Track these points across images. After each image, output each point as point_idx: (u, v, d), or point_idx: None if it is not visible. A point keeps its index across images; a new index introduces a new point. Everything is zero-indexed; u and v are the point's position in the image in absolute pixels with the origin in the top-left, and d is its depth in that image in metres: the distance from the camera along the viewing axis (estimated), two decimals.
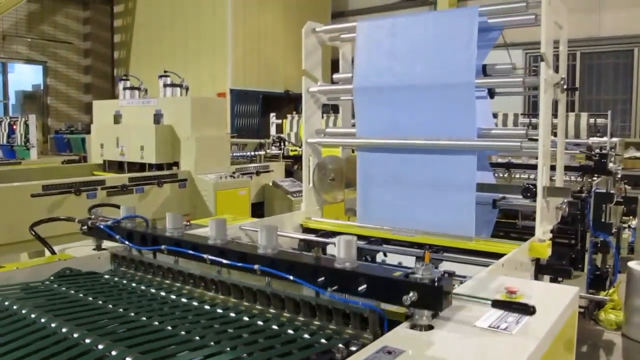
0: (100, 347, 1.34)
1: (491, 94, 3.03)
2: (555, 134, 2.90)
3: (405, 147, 2.84)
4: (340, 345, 1.37)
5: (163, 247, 1.95)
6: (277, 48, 12.74)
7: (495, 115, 6.62)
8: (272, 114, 9.21)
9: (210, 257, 1.80)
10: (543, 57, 2.48)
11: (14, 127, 8.93)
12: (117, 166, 5.78)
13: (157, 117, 5.37)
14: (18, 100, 13.93)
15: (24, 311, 1.62)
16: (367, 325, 1.45)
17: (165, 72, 5.72)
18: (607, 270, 4.43)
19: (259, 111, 12.37)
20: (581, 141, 5.83)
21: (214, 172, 5.17)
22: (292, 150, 7.40)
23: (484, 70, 2.73)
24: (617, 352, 4.12)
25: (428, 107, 2.72)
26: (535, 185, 2.62)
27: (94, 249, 2.36)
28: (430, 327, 1.41)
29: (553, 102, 2.72)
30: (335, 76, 3.25)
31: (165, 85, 5.63)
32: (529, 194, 2.75)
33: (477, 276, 1.89)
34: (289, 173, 6.54)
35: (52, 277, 2.06)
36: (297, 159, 6.83)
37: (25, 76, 14.18)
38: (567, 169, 4.79)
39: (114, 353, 1.30)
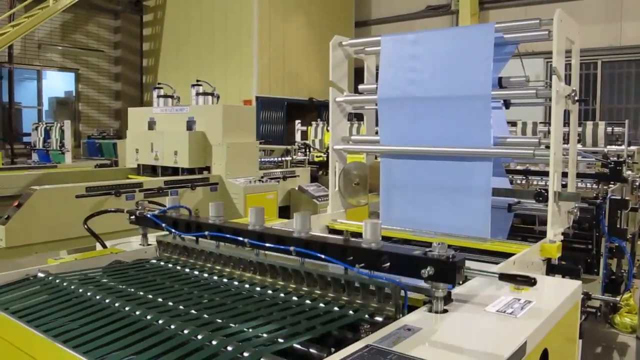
0: (160, 321, 1.57)
1: (506, 104, 3.23)
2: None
3: (425, 154, 3.02)
4: (366, 316, 1.59)
5: (206, 232, 2.17)
6: (302, 57, 13.00)
7: (515, 124, 6.78)
8: (297, 121, 9.46)
9: (249, 240, 2.02)
10: (554, 71, 2.66)
11: (50, 132, 9.29)
12: (151, 170, 6.07)
13: (190, 124, 5.66)
14: (51, 106, 14.36)
15: (88, 293, 1.86)
16: (390, 298, 1.66)
17: (197, 81, 6.02)
18: (621, 275, 4.57)
19: (284, 118, 12.65)
20: (598, 149, 5.96)
21: (244, 176, 5.43)
22: (317, 157, 7.63)
23: (500, 83, 2.92)
24: (630, 354, 4.24)
25: (447, 117, 2.91)
26: (547, 190, 2.80)
27: (140, 244, 2.60)
28: (445, 311, 1.61)
29: (566, 112, 2.90)
30: (360, 87, 3.46)
31: (197, 94, 5.92)
32: (541, 198, 2.94)
33: (489, 269, 2.08)
34: (314, 178, 6.77)
35: (105, 267, 2.31)
36: (322, 164, 7.06)
37: (54, 83, 14.61)
38: (583, 176, 4.94)
39: (172, 327, 1.53)
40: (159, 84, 6.37)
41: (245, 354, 1.34)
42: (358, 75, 3.56)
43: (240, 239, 2.07)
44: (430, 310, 1.61)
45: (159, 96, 6.18)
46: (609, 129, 6.28)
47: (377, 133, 3.31)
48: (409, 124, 3.05)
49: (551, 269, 2.76)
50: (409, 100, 3.01)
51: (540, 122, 7.02)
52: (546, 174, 5.03)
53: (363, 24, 14.71)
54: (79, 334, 1.50)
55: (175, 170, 5.78)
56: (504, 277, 1.66)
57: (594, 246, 4.22)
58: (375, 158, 3.61)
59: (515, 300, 1.70)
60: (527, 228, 3.90)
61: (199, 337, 1.44)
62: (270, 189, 5.38)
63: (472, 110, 2.83)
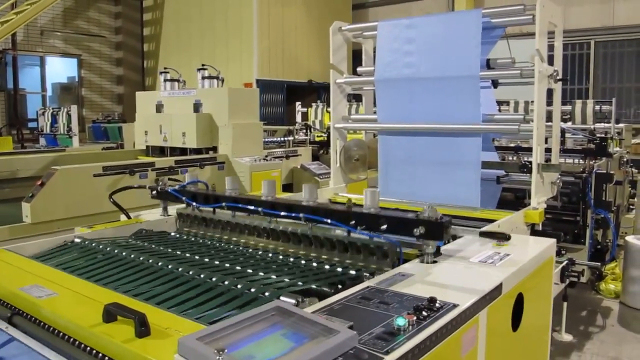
0: (190, 272, 1.84)
1: (495, 84, 3.48)
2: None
3: (420, 131, 3.26)
4: (367, 274, 1.86)
5: (223, 204, 2.44)
6: (301, 40, 13.20)
7: (507, 103, 7.02)
8: (297, 103, 9.70)
9: (263, 209, 2.28)
10: (537, 52, 2.91)
11: (57, 117, 9.52)
12: (159, 151, 6.33)
13: (197, 106, 5.92)
14: (55, 92, 14.55)
15: (124, 253, 2.13)
16: (387, 257, 1.94)
17: (202, 65, 6.27)
18: (606, 245, 4.84)
19: (284, 100, 12.89)
20: (585, 126, 6.21)
21: (249, 155, 5.71)
22: (317, 136, 7.90)
23: (488, 64, 3.17)
24: (613, 316, 4.52)
25: (439, 96, 3.13)
26: (531, 163, 3.06)
27: (161, 215, 2.86)
28: (434, 262, 1.88)
29: (551, 92, 3.15)
30: (359, 69, 3.69)
31: (203, 77, 6.17)
32: (525, 170, 3.21)
33: (470, 228, 2.35)
34: (315, 157, 7.04)
35: (132, 235, 2.58)
36: (323, 144, 7.33)
37: (56, 69, 14.78)
38: (571, 152, 5.20)
39: (207, 278, 1.80)
40: (165, 68, 6.60)
41: (267, 294, 1.61)
42: (356, 58, 3.78)
43: (255, 208, 2.32)
44: (422, 262, 1.88)
45: (165, 80, 6.43)
46: (597, 107, 6.51)
47: (375, 112, 3.54)
48: (405, 103, 3.27)
49: (535, 234, 3.02)
50: (404, 81, 3.24)
51: (532, 101, 7.24)
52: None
53: (361, 7, 14.86)
54: (143, 291, 1.73)
55: (183, 151, 6.04)
56: (484, 233, 1.93)
57: (581, 218, 4.49)
58: (374, 136, 3.85)
59: (495, 254, 1.98)
60: (519, 202, 4.16)
61: (227, 283, 1.72)
62: (274, 167, 5.66)
63: (463, 89, 3.05)
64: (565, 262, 3.45)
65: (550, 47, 3.05)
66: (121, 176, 4.65)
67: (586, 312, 4.66)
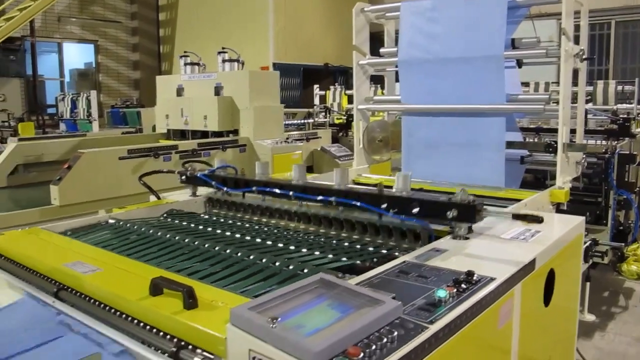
0: (227, 250, 1.88)
1: (519, 63, 3.46)
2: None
3: (444, 112, 3.28)
4: (397, 254, 1.88)
5: (254, 188, 2.47)
6: (316, 23, 13.15)
7: (527, 84, 6.98)
8: (315, 86, 9.70)
9: (295, 193, 2.30)
10: (563, 31, 2.90)
11: (76, 102, 9.61)
12: (180, 134, 6.38)
13: (218, 90, 5.95)
14: (72, 78, 14.66)
15: (159, 233, 2.17)
16: (419, 239, 1.96)
17: (223, 48, 6.29)
18: (629, 226, 4.83)
19: (300, 84, 12.89)
20: (607, 107, 6.16)
21: (270, 138, 5.75)
22: (337, 119, 7.92)
23: (513, 44, 3.16)
24: (635, 297, 4.53)
25: (463, 76, 3.14)
26: (557, 143, 3.06)
27: (190, 196, 2.90)
28: (466, 238, 1.91)
29: (575, 74, 3.14)
30: (382, 50, 3.69)
31: (224, 61, 6.20)
32: (550, 149, 3.21)
33: (503, 210, 2.36)
34: (335, 139, 7.06)
35: (164, 214, 2.62)
36: (342, 126, 7.35)
37: (72, 55, 14.88)
38: (593, 132, 5.18)
39: (245, 255, 1.84)
40: (185, 52, 6.63)
41: (305, 270, 1.65)
42: (373, 40, 3.77)
43: (286, 192, 2.34)
44: (454, 238, 1.90)
45: (185, 64, 6.46)
46: (620, 88, 6.45)
47: (397, 94, 3.55)
48: (428, 83, 3.28)
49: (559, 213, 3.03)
50: (428, 62, 3.24)
51: (553, 82, 7.21)
52: (556, 130, 5.30)
53: None
54: (183, 268, 1.77)
55: (204, 134, 6.08)
56: (516, 216, 1.94)
57: (603, 199, 4.48)
58: (396, 118, 3.87)
59: (526, 230, 2.00)
60: (540, 183, 4.16)
61: (264, 260, 1.76)
62: (295, 150, 5.69)
63: (487, 69, 3.05)
64: (589, 242, 3.47)
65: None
66: (145, 159, 4.71)
67: (608, 293, 4.67)
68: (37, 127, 9.48)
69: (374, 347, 1.06)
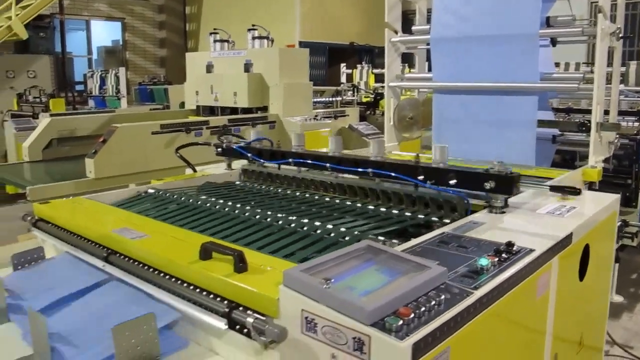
0: (267, 219, 1.93)
1: (553, 42, 3.45)
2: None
3: (476, 90, 3.28)
4: (435, 218, 1.92)
5: (290, 160, 2.50)
6: (343, 2, 13.09)
7: (557, 65, 6.90)
8: (342, 65, 9.70)
9: (331, 165, 2.34)
10: (600, 9, 2.88)
11: (105, 79, 9.74)
12: (209, 111, 6.45)
13: (247, 66, 6.00)
14: (100, 55, 14.81)
15: (199, 202, 2.23)
16: (455, 211, 1.99)
17: (252, 26, 6.33)
18: None
19: (326, 62, 12.88)
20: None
21: (299, 115, 5.80)
22: (365, 97, 7.93)
23: (548, 22, 3.15)
24: None
25: (497, 54, 3.13)
26: (590, 122, 3.05)
27: (225, 169, 2.96)
28: (502, 212, 1.94)
29: (609, 54, 3.12)
30: (413, 28, 3.69)
31: (254, 38, 6.24)
32: (584, 128, 3.21)
33: (540, 187, 2.38)
34: (362, 118, 7.09)
35: (200, 186, 2.68)
36: (370, 105, 7.37)
37: (100, 33, 15.01)
38: (625, 114, 5.13)
39: (286, 223, 1.89)
40: (214, 29, 6.68)
41: (347, 238, 1.69)
42: (403, 19, 3.74)
43: (322, 163, 2.38)
44: (491, 212, 1.93)
45: (215, 41, 6.51)
46: None
47: (428, 71, 3.56)
48: (461, 61, 3.27)
49: None
50: (461, 39, 3.23)
51: (583, 63, 7.13)
52: (587, 111, 5.26)
53: None
54: (227, 235, 1.83)
55: (233, 110, 6.14)
56: (554, 188, 1.97)
57: (632, 181, 4.45)
58: (427, 96, 3.87)
59: (562, 206, 2.02)
60: (568, 164, 4.15)
61: (305, 228, 1.80)
62: (324, 127, 5.72)
63: (521, 48, 3.04)
64: (620, 223, 3.46)
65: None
66: (177, 134, 4.79)
67: (636, 275, 4.66)
68: (66, 104, 9.63)
69: (422, 309, 1.10)
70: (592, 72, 3.01)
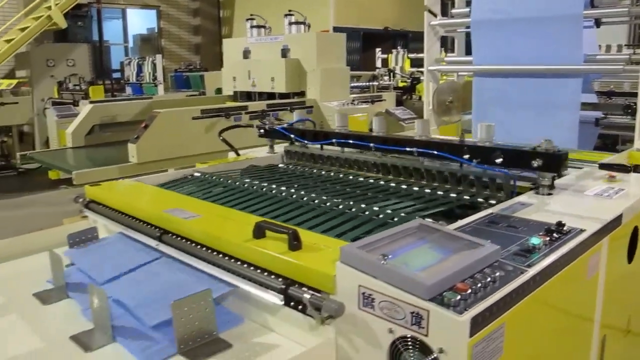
0: (315, 201, 1.97)
1: (597, 23, 3.39)
2: None
3: (518, 72, 3.25)
4: (480, 199, 1.93)
5: (334, 140, 2.53)
6: None
7: (599, 47, 6.76)
8: (377, 49, 9.68)
9: (375, 145, 2.35)
10: None
11: (142, 66, 9.89)
12: (246, 96, 6.51)
13: (284, 52, 6.04)
14: (135, 43, 15.02)
15: (245, 185, 2.27)
16: (501, 189, 1.99)
17: (289, 11, 6.35)
18: None
19: (360, 48, 12.84)
20: None
21: (336, 100, 5.83)
22: (401, 82, 7.91)
23: (592, 2, 3.10)
24: None
25: (539, 36, 3.10)
26: (635, 104, 3.00)
27: (267, 152, 2.99)
28: (549, 194, 1.93)
29: None
30: (453, 11, 3.67)
31: (290, 23, 6.27)
32: (629, 110, 3.16)
33: (585, 169, 2.36)
34: (399, 102, 7.08)
35: (243, 170, 2.73)
36: (406, 89, 7.35)
37: (135, 21, 15.19)
38: None
39: (334, 205, 1.92)
40: (251, 15, 6.72)
41: (395, 219, 1.71)
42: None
43: (366, 143, 2.40)
44: (537, 193, 1.93)
45: (252, 27, 6.56)
46: None
47: (466, 54, 3.53)
48: (502, 44, 3.25)
49: None
50: (502, 21, 3.21)
51: (625, 45, 6.96)
52: (630, 94, 5.15)
53: None
54: (276, 215, 1.86)
55: (270, 95, 6.19)
56: (603, 166, 1.95)
57: None
58: (465, 79, 3.86)
59: (609, 188, 2.00)
60: (609, 149, 4.08)
61: (354, 210, 1.83)
62: (361, 112, 5.74)
63: (565, 29, 3.01)
64: None
65: None
66: (217, 119, 4.86)
67: None
68: (104, 91, 9.80)
69: (479, 284, 1.12)
70: (635, 53, 2.96)
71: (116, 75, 12.75)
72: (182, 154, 4.51)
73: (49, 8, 9.53)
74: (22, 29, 9.46)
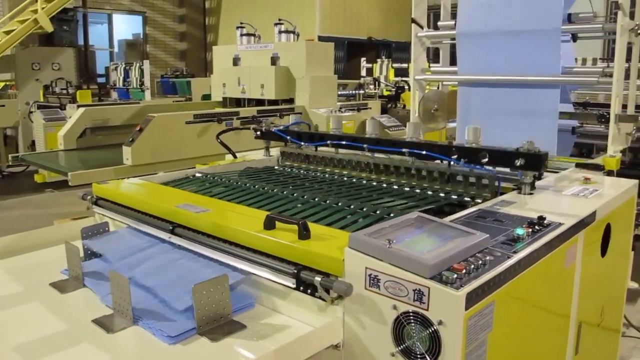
0: (315, 198, 2.12)
1: (574, 38, 3.60)
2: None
3: (500, 82, 3.43)
4: (467, 198, 2.09)
5: (329, 142, 2.68)
6: None
7: (575, 60, 7.01)
8: (362, 59, 9.88)
9: (368, 145, 2.51)
10: (620, 6, 3.03)
11: (129, 72, 9.97)
12: (235, 103, 6.64)
13: (274, 60, 6.19)
14: (121, 48, 15.06)
15: (247, 184, 2.41)
16: (486, 188, 2.17)
17: (279, 20, 6.51)
18: None
19: (344, 57, 13.04)
20: None
21: (324, 107, 5.99)
22: (386, 91, 8.10)
23: (569, 18, 3.29)
24: None
25: (520, 48, 3.28)
26: (609, 114, 3.20)
27: (264, 155, 3.13)
28: (530, 194, 2.11)
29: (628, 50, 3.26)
30: (439, 23, 3.84)
31: (280, 32, 6.43)
32: (603, 120, 3.36)
33: (562, 173, 2.54)
34: (384, 110, 7.27)
35: (241, 171, 2.86)
36: (391, 98, 7.54)
37: (120, 26, 15.23)
38: None
39: (333, 202, 2.07)
40: (241, 23, 6.87)
41: (392, 214, 1.87)
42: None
43: (360, 144, 2.55)
44: (519, 193, 2.11)
45: (242, 35, 6.70)
46: None
47: (451, 65, 3.70)
48: (485, 55, 3.43)
49: None
50: (486, 34, 3.39)
51: (600, 58, 7.24)
52: (604, 105, 5.37)
53: None
54: (280, 211, 2.01)
55: (259, 102, 6.33)
56: (579, 165, 2.13)
57: None
58: (450, 88, 4.03)
59: (585, 189, 2.19)
60: (584, 157, 4.28)
61: (352, 207, 1.98)
62: (348, 119, 5.91)
63: (544, 42, 3.19)
64: (636, 212, 3.61)
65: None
66: (209, 124, 4.99)
67: None
68: (94, 96, 9.85)
69: (472, 267, 1.28)
70: (608, 67, 3.16)
71: (101, 79, 12.78)
72: (174, 157, 4.63)
73: (35, 11, 9.57)
74: (7, 32, 9.48)
